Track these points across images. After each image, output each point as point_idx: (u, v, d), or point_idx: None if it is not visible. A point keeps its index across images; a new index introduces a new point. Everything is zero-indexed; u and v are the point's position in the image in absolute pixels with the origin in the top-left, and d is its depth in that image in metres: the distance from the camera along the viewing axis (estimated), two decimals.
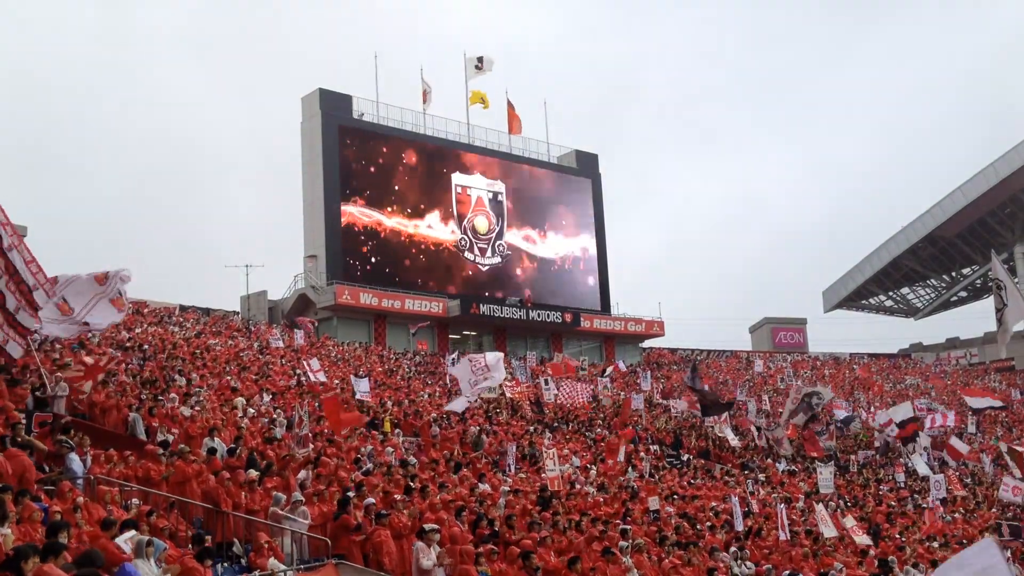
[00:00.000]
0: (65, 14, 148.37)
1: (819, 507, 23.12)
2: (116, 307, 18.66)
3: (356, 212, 51.60)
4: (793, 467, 36.94)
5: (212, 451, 15.95)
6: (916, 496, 33.36)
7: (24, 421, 14.06)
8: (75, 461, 13.43)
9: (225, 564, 12.51)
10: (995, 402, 48.59)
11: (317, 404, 23.82)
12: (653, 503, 21.54)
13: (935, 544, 23.72)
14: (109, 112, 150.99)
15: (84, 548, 10.02)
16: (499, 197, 58.11)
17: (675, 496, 24.50)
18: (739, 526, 21.12)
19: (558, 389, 37.62)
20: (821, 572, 18.44)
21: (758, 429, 39.37)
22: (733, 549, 18.27)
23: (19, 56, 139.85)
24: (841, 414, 44.66)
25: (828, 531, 21.58)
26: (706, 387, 41.08)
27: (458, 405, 28.00)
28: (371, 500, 14.83)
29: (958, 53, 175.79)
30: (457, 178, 56.44)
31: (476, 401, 30.35)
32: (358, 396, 27.81)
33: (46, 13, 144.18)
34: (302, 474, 16.35)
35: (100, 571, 8.74)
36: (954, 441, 40.35)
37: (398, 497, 15.12)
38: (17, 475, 11.55)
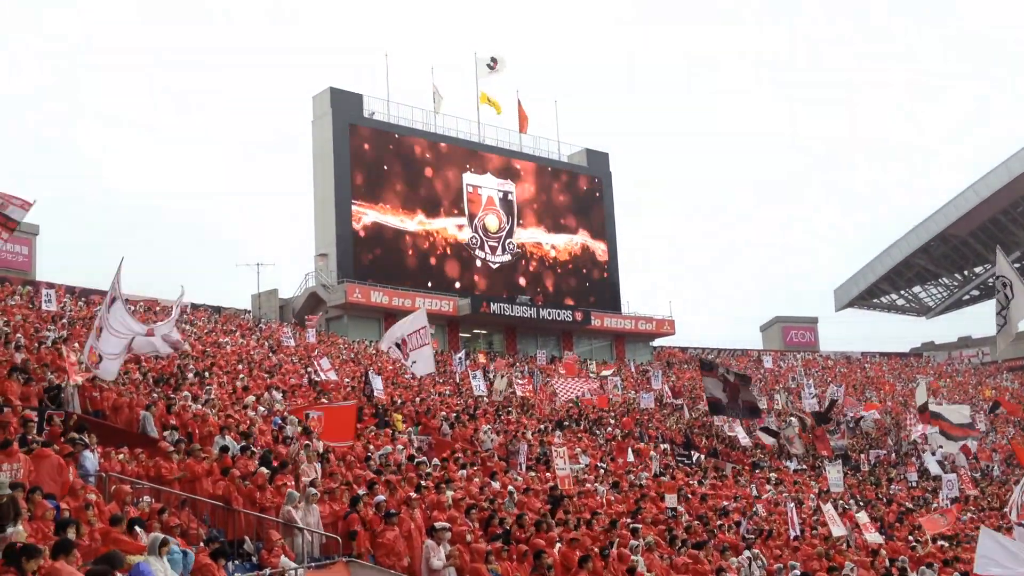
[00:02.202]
0: (71, 11, 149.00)
1: (827, 507, 23.07)
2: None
3: (367, 210, 51.69)
4: (802, 466, 36.90)
5: (224, 449, 16.00)
6: (928, 495, 33.28)
7: (36, 419, 14.10)
8: (89, 459, 13.48)
9: (236, 562, 12.54)
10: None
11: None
12: (671, 500, 21.47)
13: (945, 544, 23.61)
14: (117, 110, 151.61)
15: (96, 545, 10.07)
16: (509, 196, 58.14)
17: (687, 496, 24.43)
18: (743, 528, 20.88)
19: (561, 387, 37.72)
20: (831, 567, 18.39)
21: (772, 432, 39.07)
22: (747, 554, 18.17)
23: (29, 56, 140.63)
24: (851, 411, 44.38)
25: (837, 530, 21.53)
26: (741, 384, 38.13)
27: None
28: (381, 497, 14.83)
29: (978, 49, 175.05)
30: (468, 177, 56.49)
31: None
32: (376, 395, 27.80)
33: (54, 11, 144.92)
34: (310, 472, 16.33)
35: (114, 571, 8.73)
36: (969, 441, 40.11)
37: (414, 495, 15.12)
38: (50, 475, 11.56)
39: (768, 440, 37.79)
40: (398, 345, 26.89)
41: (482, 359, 45.19)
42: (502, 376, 36.73)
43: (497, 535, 14.89)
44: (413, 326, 26.76)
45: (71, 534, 9.30)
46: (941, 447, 38.92)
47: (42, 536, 9.48)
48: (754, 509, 24.39)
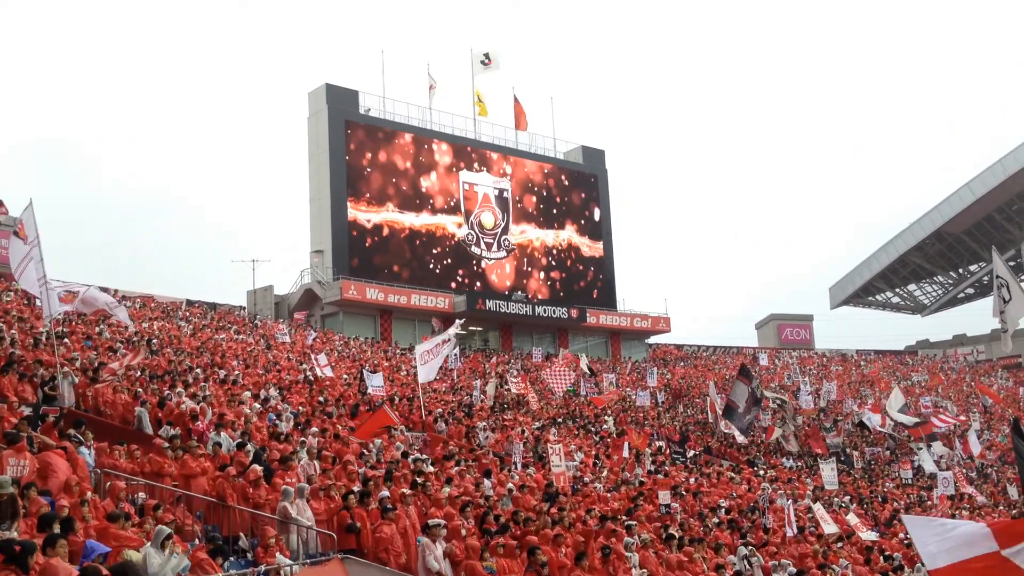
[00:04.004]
0: (70, 10, 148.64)
1: (816, 506, 23.13)
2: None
3: (362, 207, 51.64)
4: (796, 463, 36.96)
5: (217, 445, 15.97)
6: (923, 493, 33.34)
7: (32, 415, 14.06)
8: (85, 455, 13.45)
9: (231, 559, 12.50)
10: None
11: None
12: (664, 497, 21.47)
13: None
14: (116, 107, 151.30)
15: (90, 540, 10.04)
16: (505, 193, 58.10)
17: (681, 493, 24.45)
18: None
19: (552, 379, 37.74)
20: (822, 565, 18.42)
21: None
22: (743, 551, 18.16)
23: (28, 53, 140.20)
24: (869, 416, 44.08)
25: (829, 528, 21.57)
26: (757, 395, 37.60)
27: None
28: (385, 493, 14.81)
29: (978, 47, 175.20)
30: (464, 174, 56.44)
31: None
32: (370, 391, 27.77)
33: (52, 12, 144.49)
34: (313, 467, 16.28)
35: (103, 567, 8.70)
36: (971, 438, 40.11)
37: (407, 492, 15.08)
38: (67, 473, 11.56)
39: (740, 438, 37.48)
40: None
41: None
42: (492, 382, 36.55)
43: (494, 531, 14.86)
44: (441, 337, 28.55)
45: (55, 530, 9.29)
46: (931, 446, 39.01)
47: (31, 533, 9.44)
48: (753, 504, 24.41)
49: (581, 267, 61.19)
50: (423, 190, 54.46)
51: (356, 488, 14.99)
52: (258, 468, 14.55)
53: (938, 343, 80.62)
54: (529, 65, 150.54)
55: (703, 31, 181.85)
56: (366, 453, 19.50)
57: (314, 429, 20.38)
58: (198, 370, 24.46)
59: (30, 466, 11.35)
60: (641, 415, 38.82)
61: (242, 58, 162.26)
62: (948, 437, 41.70)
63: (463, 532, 14.02)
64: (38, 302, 18.67)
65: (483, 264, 56.11)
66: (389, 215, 52.60)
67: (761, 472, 32.64)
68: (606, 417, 36.26)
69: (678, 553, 16.61)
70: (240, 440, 16.76)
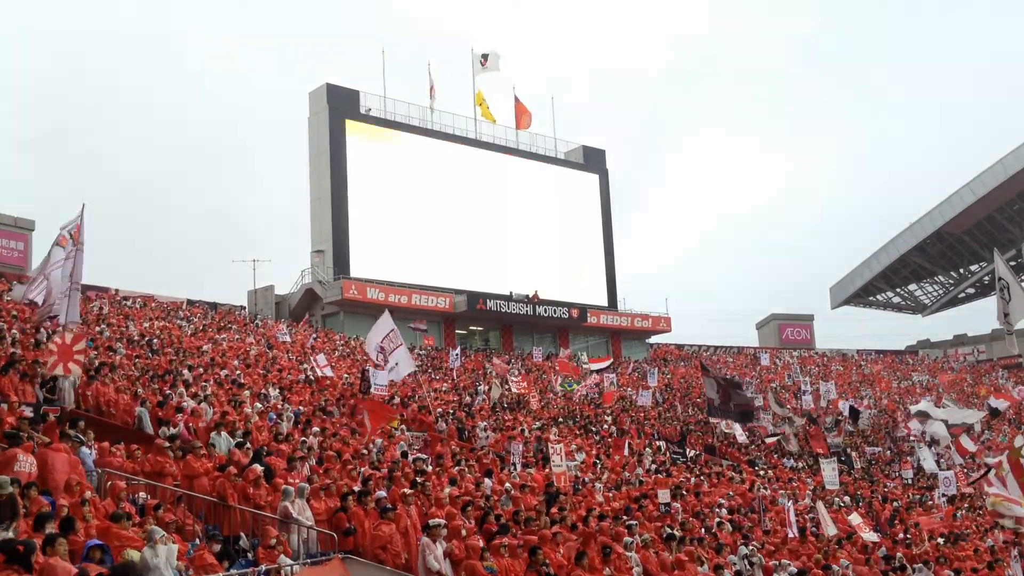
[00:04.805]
0: (69, 10, 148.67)
1: (818, 505, 23.12)
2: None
3: (363, 207, 51.59)
4: (797, 463, 36.96)
5: (211, 446, 15.99)
6: (925, 494, 33.36)
7: (32, 415, 14.06)
8: (86, 455, 13.46)
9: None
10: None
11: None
12: (664, 497, 21.47)
13: (941, 542, 23.67)
14: (113, 105, 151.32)
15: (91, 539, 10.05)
16: (506, 193, 58.04)
17: (683, 493, 24.46)
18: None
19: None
20: (825, 565, 18.44)
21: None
22: (745, 551, 18.16)
23: (26, 50, 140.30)
24: (846, 406, 44.34)
25: (830, 528, 21.57)
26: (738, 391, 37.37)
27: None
28: (382, 493, 14.82)
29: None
30: (464, 174, 56.37)
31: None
32: (374, 389, 27.68)
33: (52, 11, 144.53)
34: (306, 468, 16.32)
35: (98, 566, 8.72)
36: (962, 439, 40.16)
37: (407, 492, 15.09)
38: (64, 470, 11.58)
39: (740, 437, 37.51)
40: (382, 351, 27.51)
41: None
42: (496, 385, 36.58)
43: (494, 531, 14.87)
44: (383, 331, 27.63)
45: (49, 528, 9.31)
46: (934, 445, 39.00)
47: (29, 533, 9.45)
48: (751, 505, 24.43)
49: (582, 267, 61.14)
50: (424, 190, 54.39)
51: (356, 488, 15.01)
52: (258, 468, 14.55)
53: (939, 343, 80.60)
54: (529, 65, 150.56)
55: (703, 31, 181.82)
56: (366, 453, 19.51)
57: (315, 429, 20.41)
58: (200, 368, 24.50)
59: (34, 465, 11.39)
60: (642, 415, 38.83)
61: (242, 58, 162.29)
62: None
63: (463, 532, 14.03)
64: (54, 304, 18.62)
65: (484, 264, 56.01)
66: (390, 215, 52.54)
67: (761, 472, 32.66)
68: (606, 417, 36.28)
69: (678, 553, 16.61)
70: (240, 440, 16.80)
